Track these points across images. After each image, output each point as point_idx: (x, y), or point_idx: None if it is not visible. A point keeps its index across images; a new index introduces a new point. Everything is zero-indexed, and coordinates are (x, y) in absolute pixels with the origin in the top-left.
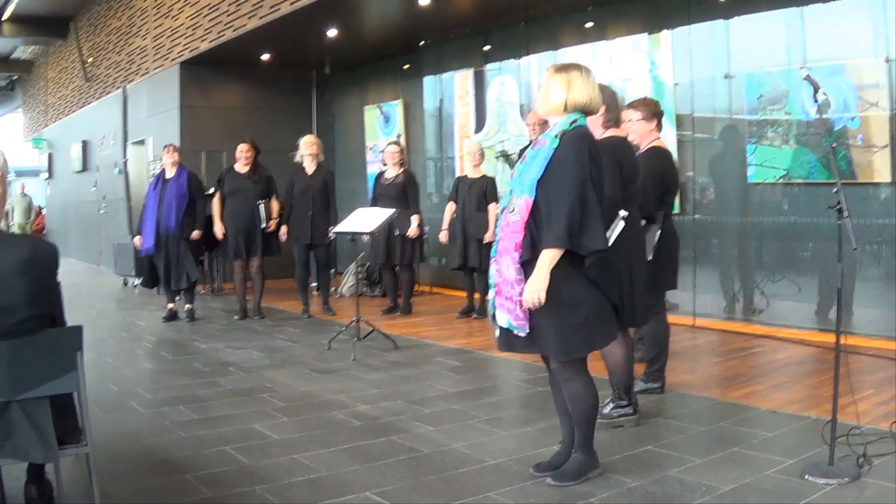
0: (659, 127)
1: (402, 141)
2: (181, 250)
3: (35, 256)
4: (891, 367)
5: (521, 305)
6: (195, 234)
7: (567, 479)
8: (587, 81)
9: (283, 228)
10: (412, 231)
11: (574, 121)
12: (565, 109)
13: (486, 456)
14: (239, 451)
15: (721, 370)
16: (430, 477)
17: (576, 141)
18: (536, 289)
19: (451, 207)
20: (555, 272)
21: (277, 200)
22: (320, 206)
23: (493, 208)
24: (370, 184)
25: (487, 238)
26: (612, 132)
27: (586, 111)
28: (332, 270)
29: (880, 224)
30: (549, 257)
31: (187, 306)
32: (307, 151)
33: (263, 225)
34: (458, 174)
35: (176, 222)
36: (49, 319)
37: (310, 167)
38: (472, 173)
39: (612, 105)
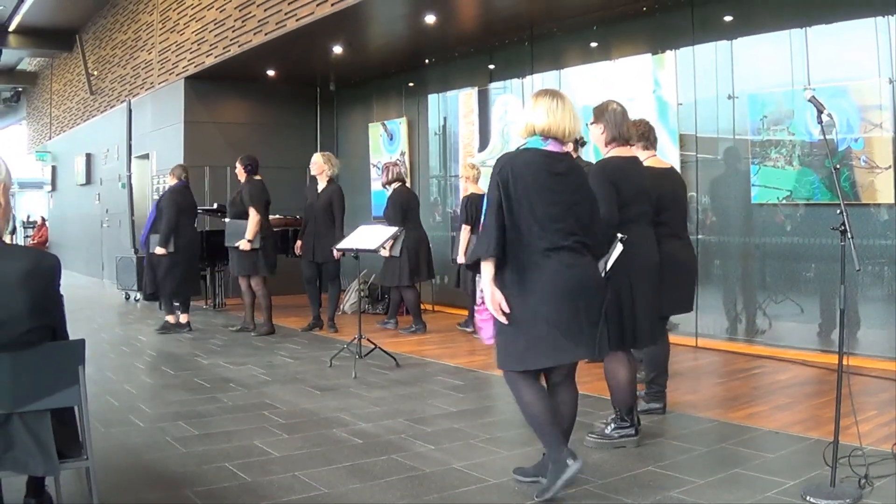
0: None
1: (406, 159)
2: (150, 265)
3: (36, 268)
4: (893, 388)
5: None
6: (158, 250)
7: (542, 495)
8: (529, 109)
9: (298, 243)
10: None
11: (522, 145)
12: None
13: (487, 475)
14: (239, 467)
15: (723, 391)
16: (431, 496)
17: (495, 165)
18: (487, 298)
19: (466, 230)
20: (502, 289)
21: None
22: (321, 223)
23: (466, 230)
24: (374, 200)
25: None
26: (615, 151)
27: (542, 134)
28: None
29: (883, 245)
30: (483, 269)
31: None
32: (313, 170)
33: (236, 243)
34: (461, 193)
35: (144, 238)
36: (50, 332)
37: (321, 184)
38: (475, 190)
39: (610, 123)
